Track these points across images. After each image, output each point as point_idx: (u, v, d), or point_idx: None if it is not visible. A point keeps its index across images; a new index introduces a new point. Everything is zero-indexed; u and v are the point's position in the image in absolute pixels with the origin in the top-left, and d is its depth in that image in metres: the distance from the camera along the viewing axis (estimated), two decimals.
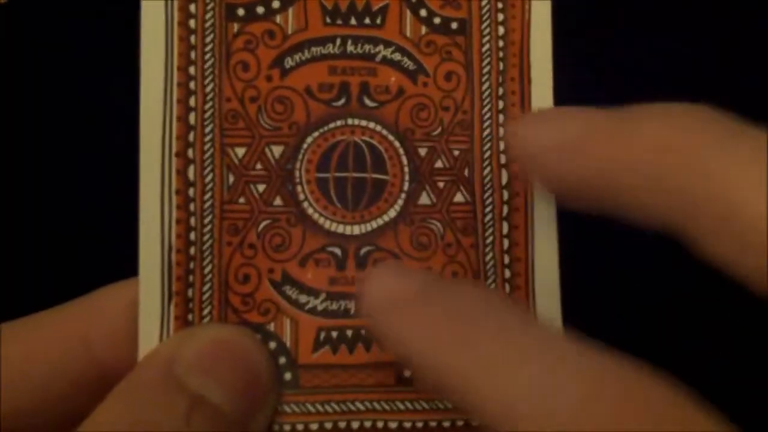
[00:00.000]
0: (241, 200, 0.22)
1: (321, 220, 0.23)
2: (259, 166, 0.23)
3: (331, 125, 0.23)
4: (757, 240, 0.17)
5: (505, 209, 0.24)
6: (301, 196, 0.23)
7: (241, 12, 0.23)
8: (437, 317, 0.18)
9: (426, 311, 0.18)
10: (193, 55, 0.22)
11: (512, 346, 0.17)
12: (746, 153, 0.17)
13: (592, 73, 0.25)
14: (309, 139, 0.23)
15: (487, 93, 0.24)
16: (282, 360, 0.22)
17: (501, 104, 0.24)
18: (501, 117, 0.24)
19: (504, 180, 0.24)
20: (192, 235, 0.22)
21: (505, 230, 0.23)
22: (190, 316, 0.22)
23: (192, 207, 0.22)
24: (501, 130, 0.24)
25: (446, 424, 0.22)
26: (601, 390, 0.16)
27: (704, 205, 0.17)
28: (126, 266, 0.22)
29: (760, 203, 0.16)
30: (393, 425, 0.22)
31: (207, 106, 0.22)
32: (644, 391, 0.16)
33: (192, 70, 0.22)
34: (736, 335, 0.34)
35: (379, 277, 0.19)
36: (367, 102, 0.23)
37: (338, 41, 0.23)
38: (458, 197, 0.23)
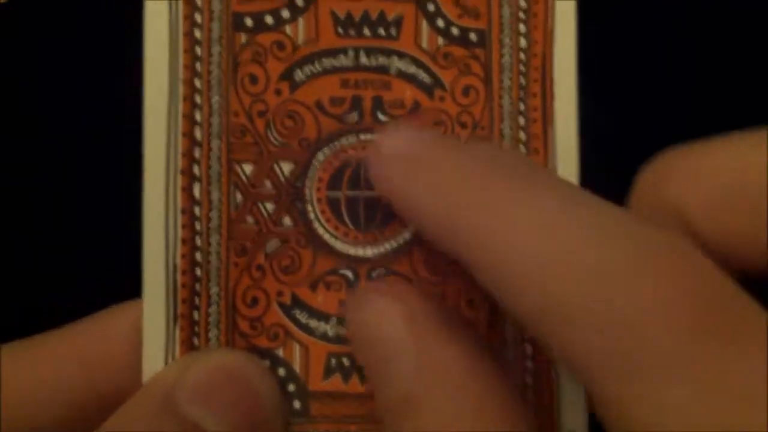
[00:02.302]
0: (249, 219, 0.22)
1: (332, 241, 0.22)
2: (267, 183, 0.22)
3: (343, 141, 0.22)
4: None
5: None
6: (312, 216, 0.22)
7: (249, 22, 0.22)
8: (453, 171, 0.17)
9: (442, 165, 0.18)
10: (198, 67, 0.21)
11: (539, 200, 0.16)
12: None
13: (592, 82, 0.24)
14: (320, 156, 0.22)
15: (507, 109, 0.23)
16: (291, 387, 0.21)
17: (522, 121, 0.23)
18: (522, 134, 0.23)
19: None
20: (198, 256, 0.21)
21: None
22: (195, 340, 0.21)
23: (198, 226, 0.21)
24: (522, 149, 0.23)
25: None
26: (649, 259, 0.15)
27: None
28: (129, 287, 0.21)
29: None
30: None
31: (213, 121, 0.21)
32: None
33: (197, 82, 0.21)
34: None
35: (392, 133, 0.19)
36: (381, 117, 0.22)
37: (351, 53, 0.22)
38: None
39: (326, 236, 0.22)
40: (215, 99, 0.21)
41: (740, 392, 0.14)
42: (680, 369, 0.14)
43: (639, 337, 0.14)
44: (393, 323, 0.18)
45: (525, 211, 0.16)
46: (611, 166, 0.22)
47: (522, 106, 0.23)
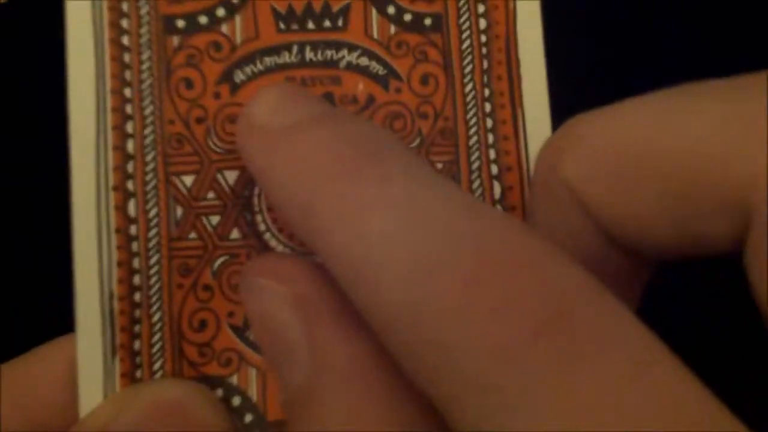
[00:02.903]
0: (192, 235, 0.20)
1: (287, 252, 0.20)
2: (211, 195, 0.20)
3: None
4: None
5: None
6: (262, 227, 0.20)
7: (180, 23, 0.20)
8: (312, 149, 0.16)
9: (301, 142, 0.17)
10: (128, 75, 0.20)
11: (382, 192, 0.15)
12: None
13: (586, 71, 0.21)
14: None
15: (471, 95, 0.21)
16: (248, 418, 0.19)
17: (488, 107, 0.21)
18: (489, 121, 0.21)
19: (497, 193, 0.20)
20: (136, 279, 0.19)
21: None
22: (138, 373, 0.19)
23: (135, 246, 0.19)
24: (490, 137, 0.21)
25: None
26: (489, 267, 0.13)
27: None
28: (62, 319, 0.19)
29: None
30: None
31: (147, 132, 0.20)
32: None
33: (128, 92, 0.20)
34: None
35: (263, 97, 0.18)
36: None
37: (295, 49, 0.20)
38: None
39: (280, 247, 0.20)
40: (148, 108, 0.20)
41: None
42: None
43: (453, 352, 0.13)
44: (283, 311, 0.16)
45: (381, 215, 0.15)
46: None
47: (487, 92, 0.21)
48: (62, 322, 0.19)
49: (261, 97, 0.18)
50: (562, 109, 0.21)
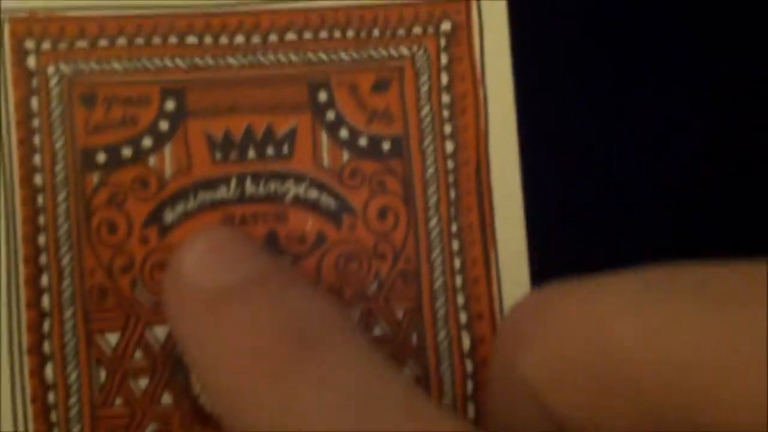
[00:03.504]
0: (118, 401, 0.17)
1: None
2: (138, 354, 0.17)
3: None
4: None
5: (470, 386, 0.18)
6: (197, 388, 0.18)
7: (101, 158, 0.17)
8: (245, 326, 0.15)
9: (234, 315, 0.15)
10: (41, 220, 0.17)
11: (316, 400, 0.14)
12: None
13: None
14: None
15: (435, 232, 0.18)
16: None
17: (456, 245, 0.18)
18: (457, 261, 0.18)
19: (466, 346, 0.18)
20: None
21: (471, 413, 0.18)
22: None
23: (53, 417, 0.17)
24: (458, 280, 0.18)
25: None
26: None
27: None
28: None
29: None
30: None
31: (64, 285, 0.17)
32: None
33: (41, 239, 0.17)
34: None
35: (192, 250, 0.16)
36: None
37: (233, 182, 0.18)
38: (406, 373, 0.18)
39: (217, 412, 0.17)
40: (65, 257, 0.17)
41: None
42: None
43: None
44: None
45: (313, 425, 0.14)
46: None
47: (455, 227, 0.18)
48: None
49: (189, 250, 0.16)
50: (539, 245, 0.18)
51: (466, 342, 0.18)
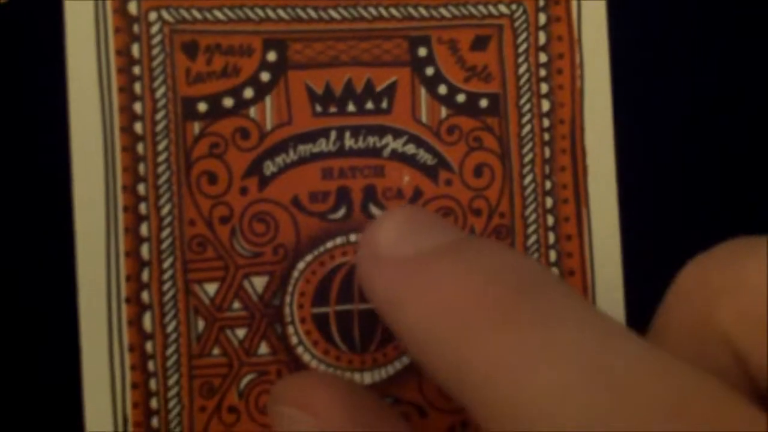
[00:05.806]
0: (216, 351, 0.17)
1: (322, 368, 0.18)
2: (236, 305, 0.17)
3: (329, 244, 0.18)
4: None
5: None
6: (294, 340, 0.18)
7: (202, 107, 0.17)
8: (456, 286, 0.14)
9: (444, 281, 0.14)
10: (141, 169, 0.17)
11: (547, 339, 0.13)
12: None
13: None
14: (300, 265, 0.18)
15: (530, 189, 0.18)
16: None
17: (549, 202, 0.18)
18: (550, 219, 0.18)
19: None
20: (153, 403, 0.17)
21: None
22: None
23: (151, 366, 0.17)
24: (551, 236, 0.18)
25: None
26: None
27: None
28: None
29: None
30: None
31: (164, 234, 0.17)
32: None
33: (141, 188, 0.17)
34: None
35: (387, 222, 0.15)
36: (375, 211, 0.18)
37: (333, 135, 0.18)
38: None
39: (314, 363, 0.18)
40: (165, 207, 0.17)
41: None
42: None
43: None
44: None
45: (550, 366, 0.13)
46: (659, 258, 0.17)
47: (548, 184, 0.18)
48: None
49: (385, 222, 0.16)
50: (632, 205, 0.18)
51: None
